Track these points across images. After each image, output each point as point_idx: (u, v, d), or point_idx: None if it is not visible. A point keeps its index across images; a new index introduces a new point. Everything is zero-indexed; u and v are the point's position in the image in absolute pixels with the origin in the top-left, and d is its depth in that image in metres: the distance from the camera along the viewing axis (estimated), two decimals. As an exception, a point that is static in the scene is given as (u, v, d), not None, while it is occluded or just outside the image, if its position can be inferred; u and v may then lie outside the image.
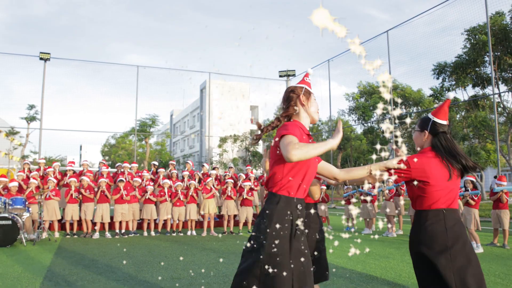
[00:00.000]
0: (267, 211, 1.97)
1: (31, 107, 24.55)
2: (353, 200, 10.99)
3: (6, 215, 7.70)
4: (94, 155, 50.91)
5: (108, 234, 9.27)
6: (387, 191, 9.85)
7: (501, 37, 15.32)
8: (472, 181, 7.88)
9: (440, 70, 17.95)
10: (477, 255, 6.84)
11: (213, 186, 10.19)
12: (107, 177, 9.76)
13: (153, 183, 10.45)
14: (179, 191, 9.76)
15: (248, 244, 1.97)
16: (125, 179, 9.73)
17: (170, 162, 11.45)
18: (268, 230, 1.91)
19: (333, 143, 1.88)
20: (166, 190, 9.77)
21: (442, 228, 2.09)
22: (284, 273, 1.85)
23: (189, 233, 9.80)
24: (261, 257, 1.87)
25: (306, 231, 2.61)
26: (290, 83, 20.11)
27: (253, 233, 1.98)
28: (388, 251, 7.22)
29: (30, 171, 10.18)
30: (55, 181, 9.37)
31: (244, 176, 10.88)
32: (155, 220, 9.95)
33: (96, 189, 9.49)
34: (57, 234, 9.20)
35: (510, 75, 16.44)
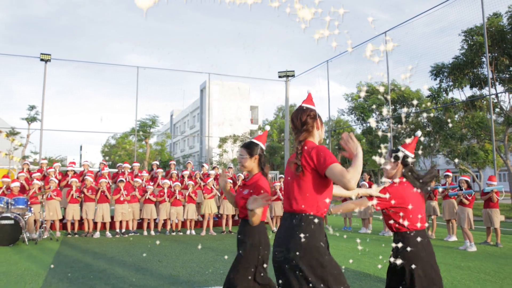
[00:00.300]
0: (308, 234, 2.02)
1: (32, 107, 24.65)
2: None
3: (9, 214, 7.83)
4: (94, 155, 51.07)
5: (108, 234, 9.41)
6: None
7: (498, 38, 15.40)
8: (466, 181, 8.02)
9: (437, 71, 18.06)
10: (471, 253, 7.00)
11: (213, 186, 10.32)
12: (107, 177, 9.89)
13: (152, 183, 10.59)
14: (176, 191, 9.90)
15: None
16: (125, 179, 9.87)
17: (171, 162, 11.58)
18: (325, 258, 2.02)
19: (361, 152, 2.00)
20: (165, 190, 9.92)
21: None
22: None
23: (188, 232, 9.95)
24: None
25: None
26: (290, 83, 20.23)
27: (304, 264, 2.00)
28: (383, 249, 7.36)
29: (29, 171, 10.28)
30: (57, 181, 9.51)
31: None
32: (155, 219, 10.09)
33: (97, 189, 9.62)
34: (58, 234, 9.34)
35: (507, 76, 16.53)
